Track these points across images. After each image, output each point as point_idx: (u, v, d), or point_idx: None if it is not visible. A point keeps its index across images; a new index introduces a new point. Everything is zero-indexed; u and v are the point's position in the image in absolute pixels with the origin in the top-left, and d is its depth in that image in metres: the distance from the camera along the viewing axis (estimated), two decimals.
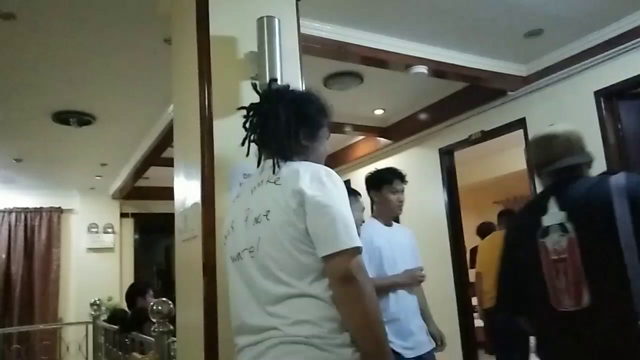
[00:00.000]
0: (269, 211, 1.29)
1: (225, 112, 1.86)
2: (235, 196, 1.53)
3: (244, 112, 1.47)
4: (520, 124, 3.70)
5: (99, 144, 4.80)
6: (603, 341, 1.44)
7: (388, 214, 2.66)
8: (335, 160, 5.37)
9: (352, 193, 2.48)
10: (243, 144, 1.45)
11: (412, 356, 2.42)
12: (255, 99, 1.49)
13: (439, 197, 4.33)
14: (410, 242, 2.70)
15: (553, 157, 1.68)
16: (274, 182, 1.32)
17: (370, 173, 2.77)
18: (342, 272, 1.18)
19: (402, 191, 2.64)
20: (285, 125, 1.37)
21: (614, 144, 3.11)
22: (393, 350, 2.33)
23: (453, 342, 3.82)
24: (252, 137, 1.44)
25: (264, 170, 1.40)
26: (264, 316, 1.25)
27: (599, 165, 3.12)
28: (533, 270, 1.58)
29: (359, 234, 1.26)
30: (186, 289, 1.98)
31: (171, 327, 2.30)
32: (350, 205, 2.40)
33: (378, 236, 2.57)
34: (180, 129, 2.25)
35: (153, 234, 7.52)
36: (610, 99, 3.17)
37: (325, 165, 1.36)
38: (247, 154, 1.45)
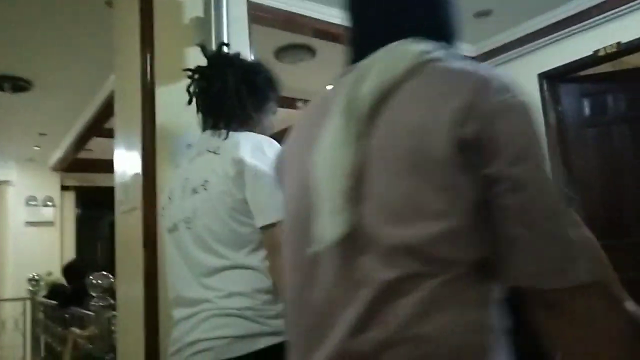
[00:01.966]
0: (207, 181, 1.26)
1: (169, 80, 1.79)
2: (175, 167, 1.49)
3: (189, 80, 1.41)
4: None
5: (36, 112, 4.54)
6: None
7: None
8: (285, 137, 5.31)
9: None
10: (190, 102, 1.38)
11: None
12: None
13: None
14: None
15: None
16: (214, 152, 1.28)
17: None
18: (279, 242, 1.17)
19: None
20: (233, 91, 1.33)
21: (554, 126, 3.24)
22: None
23: None
24: (196, 103, 1.39)
25: (205, 140, 1.35)
26: (199, 288, 1.23)
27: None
28: None
29: None
30: (126, 262, 1.93)
31: (112, 302, 2.25)
32: None
33: None
34: (121, 97, 2.16)
35: (97, 208, 7.23)
36: (553, 81, 3.29)
37: (275, 139, 1.30)
38: (189, 122, 1.40)
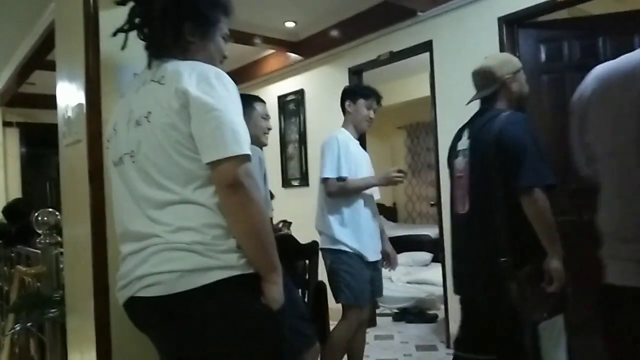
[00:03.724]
0: (150, 112, 1.20)
1: (113, 5, 1.66)
2: (121, 96, 1.41)
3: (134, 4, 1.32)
4: (427, 46, 3.74)
5: None
6: (469, 237, 1.98)
7: (357, 127, 2.77)
8: (243, 75, 5.16)
9: (255, 99, 2.42)
10: (115, 34, 1.31)
11: (372, 260, 2.63)
12: None
13: None
14: (369, 162, 2.85)
15: (476, 86, 2.07)
16: (158, 82, 1.21)
17: (352, 85, 3.01)
18: (229, 179, 1.13)
19: (375, 111, 2.78)
20: (161, 16, 1.24)
21: None
22: (356, 252, 2.55)
23: None
24: (131, 29, 1.30)
25: (150, 69, 1.28)
26: (146, 222, 1.20)
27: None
28: (450, 181, 2.11)
29: (251, 143, 1.21)
30: (72, 197, 1.86)
31: (59, 239, 2.18)
32: (252, 112, 2.34)
33: (352, 143, 2.71)
34: (62, 25, 2.01)
35: (44, 147, 6.87)
36: (512, 26, 3.28)
37: (230, 77, 1.24)
38: (123, 47, 1.31)
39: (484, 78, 2.02)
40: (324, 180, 2.60)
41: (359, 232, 2.59)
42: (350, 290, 2.55)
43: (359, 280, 2.56)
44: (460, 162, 2.02)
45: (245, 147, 1.16)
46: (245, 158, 1.16)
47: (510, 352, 1.85)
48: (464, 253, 2.02)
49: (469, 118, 2.15)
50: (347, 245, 2.57)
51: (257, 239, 1.18)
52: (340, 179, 2.58)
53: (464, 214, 1.97)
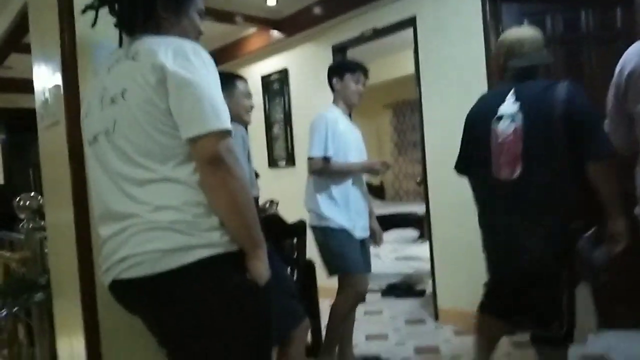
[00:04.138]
0: (125, 89, 1.17)
1: None
2: (94, 75, 1.38)
3: None
4: (411, 22, 3.70)
5: None
6: (522, 203, 1.95)
7: (347, 102, 2.77)
8: (225, 55, 5.08)
9: (236, 77, 2.39)
10: (84, 11, 1.30)
11: (360, 236, 2.65)
12: None
13: (331, 99, 4.31)
14: (360, 138, 2.85)
15: (520, 53, 2.04)
16: (132, 58, 1.19)
17: (337, 61, 2.95)
18: (209, 155, 1.12)
19: (363, 85, 2.76)
20: None
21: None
22: (344, 229, 2.56)
23: None
24: (101, 5, 1.28)
25: (122, 47, 1.25)
26: (125, 201, 1.18)
27: (480, 64, 3.25)
28: (485, 146, 2.02)
29: (232, 122, 1.20)
30: (53, 180, 1.83)
31: (42, 223, 2.16)
32: (233, 90, 2.31)
33: (342, 121, 2.70)
34: (35, 4, 1.95)
35: (25, 133, 6.78)
36: (495, 0, 3.26)
37: (212, 57, 1.21)
38: (93, 25, 1.29)
39: (538, 47, 2.08)
40: (309, 159, 2.61)
41: (348, 210, 2.61)
42: (343, 261, 2.58)
43: (351, 251, 2.60)
44: (507, 126, 1.97)
45: (225, 121, 1.14)
46: (226, 133, 1.14)
47: (552, 316, 1.98)
48: (514, 218, 1.98)
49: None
50: (335, 222, 2.58)
51: (240, 215, 1.17)
52: (325, 159, 2.58)
53: (513, 179, 1.94)
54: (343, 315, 2.64)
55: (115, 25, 1.27)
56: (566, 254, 1.93)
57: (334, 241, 2.59)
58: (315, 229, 2.66)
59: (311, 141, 2.63)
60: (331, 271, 2.64)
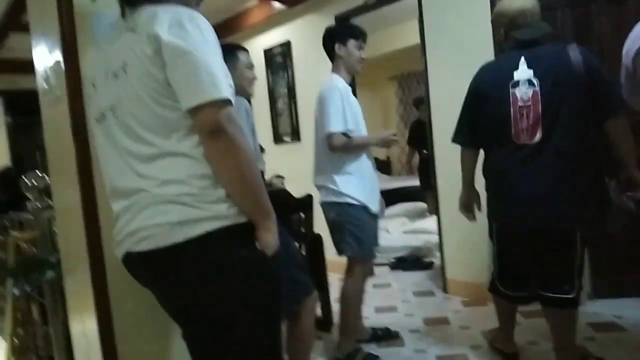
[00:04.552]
0: (125, 63, 1.15)
1: None
2: (98, 50, 1.35)
3: None
4: None
5: None
6: (544, 166, 2.00)
7: (349, 70, 2.62)
8: (227, 29, 5.01)
9: (237, 48, 2.33)
10: None
11: (375, 211, 2.58)
12: None
13: None
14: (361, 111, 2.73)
15: (524, 24, 2.10)
16: (132, 30, 1.16)
17: (336, 25, 2.66)
18: (211, 125, 1.09)
19: (364, 50, 2.63)
20: None
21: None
22: (362, 204, 2.49)
23: None
24: None
25: (123, 17, 1.22)
26: (133, 177, 1.17)
27: (487, 32, 3.18)
28: (503, 112, 2.05)
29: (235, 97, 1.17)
30: (58, 157, 1.82)
31: (50, 202, 2.16)
32: (235, 62, 2.27)
33: (348, 92, 2.55)
34: None
35: (30, 114, 6.76)
36: None
37: (215, 29, 1.18)
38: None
39: (540, 16, 2.14)
40: (330, 135, 2.43)
41: (364, 185, 2.52)
42: (358, 244, 2.49)
43: (367, 233, 2.53)
44: (525, 91, 2.01)
45: (224, 90, 1.11)
46: (226, 102, 1.11)
47: (567, 277, 2.07)
48: (535, 181, 2.02)
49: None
50: (353, 198, 2.47)
51: (246, 185, 1.16)
52: (346, 134, 2.44)
53: (535, 143, 2.00)
54: (357, 297, 2.61)
55: None
56: (587, 215, 2.02)
57: (351, 219, 2.48)
58: (329, 205, 2.55)
59: (327, 115, 2.44)
60: (343, 251, 2.55)
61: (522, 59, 2.05)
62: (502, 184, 2.13)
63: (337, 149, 2.45)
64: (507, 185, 2.11)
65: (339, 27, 2.65)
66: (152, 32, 1.10)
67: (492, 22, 2.42)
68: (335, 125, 2.42)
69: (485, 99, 2.13)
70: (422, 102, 5.39)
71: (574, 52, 2.00)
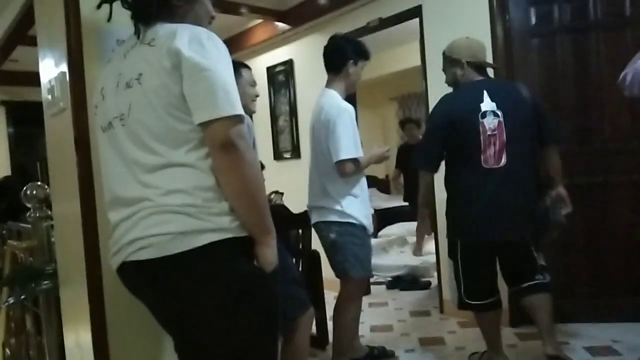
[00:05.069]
0: (141, 74, 1.18)
1: None
2: (107, 62, 1.38)
3: None
4: (417, 12, 3.68)
5: None
6: (508, 187, 2.26)
7: (349, 89, 2.63)
8: (230, 47, 4.95)
9: (241, 65, 2.37)
10: (99, 6, 1.32)
11: (370, 231, 2.59)
12: None
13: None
14: None
15: (480, 56, 2.44)
16: (149, 44, 1.20)
17: (349, 41, 2.64)
18: (222, 139, 1.12)
19: None
20: None
21: (502, 37, 3.22)
22: (362, 224, 2.50)
23: None
24: None
25: (137, 34, 1.26)
26: (137, 187, 1.19)
27: (487, 57, 3.23)
28: (474, 140, 2.27)
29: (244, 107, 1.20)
30: (60, 168, 1.84)
31: (49, 212, 2.17)
32: (239, 79, 2.31)
33: (353, 113, 2.54)
34: None
35: (33, 126, 6.77)
36: None
37: None
38: (109, 19, 1.32)
39: (483, 52, 2.50)
40: (341, 162, 2.39)
41: (364, 205, 2.53)
42: (360, 264, 2.48)
43: (366, 252, 2.53)
44: (492, 121, 2.26)
45: (237, 107, 1.15)
46: (238, 119, 1.15)
47: (540, 268, 2.40)
48: (502, 201, 2.26)
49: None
50: (355, 218, 2.46)
51: (251, 200, 1.18)
52: (355, 160, 2.43)
53: (500, 167, 2.25)
54: (353, 316, 2.60)
55: (131, 17, 1.27)
56: (543, 219, 2.36)
57: (352, 239, 2.46)
58: (329, 224, 2.50)
59: (337, 140, 2.40)
60: (346, 273, 2.50)
61: (485, 92, 2.30)
62: (470, 205, 2.31)
63: (348, 176, 2.44)
64: (475, 206, 2.29)
65: (354, 44, 2.59)
66: (172, 47, 1.14)
67: (446, 56, 2.56)
68: (347, 152, 2.39)
69: (456, 128, 2.31)
70: (409, 122, 5.46)
71: (523, 88, 2.39)
